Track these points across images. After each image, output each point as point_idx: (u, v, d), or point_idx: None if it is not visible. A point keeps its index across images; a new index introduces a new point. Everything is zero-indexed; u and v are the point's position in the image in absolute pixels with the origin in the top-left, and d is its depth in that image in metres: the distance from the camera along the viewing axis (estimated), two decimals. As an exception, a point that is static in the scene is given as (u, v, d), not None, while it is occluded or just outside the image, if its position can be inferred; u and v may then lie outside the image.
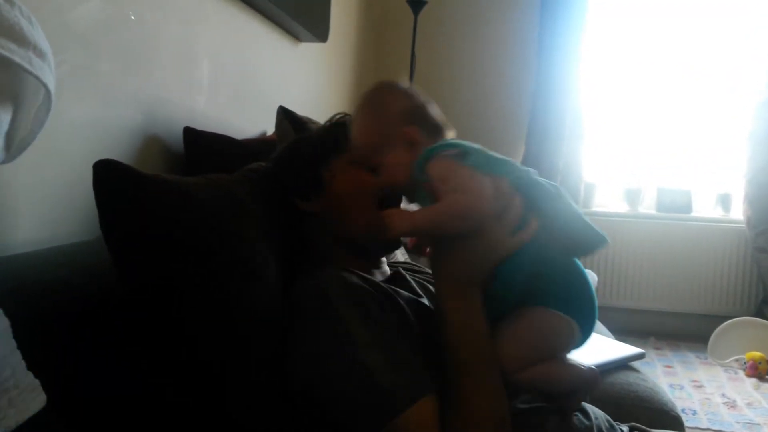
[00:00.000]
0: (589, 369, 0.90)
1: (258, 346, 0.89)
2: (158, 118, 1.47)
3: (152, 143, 1.44)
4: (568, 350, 0.89)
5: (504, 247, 0.82)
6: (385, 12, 3.58)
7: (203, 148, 1.54)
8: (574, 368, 0.89)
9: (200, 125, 1.57)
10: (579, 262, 0.88)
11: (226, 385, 0.86)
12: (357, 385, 0.80)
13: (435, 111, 0.95)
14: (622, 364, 1.62)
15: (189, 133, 1.53)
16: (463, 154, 0.85)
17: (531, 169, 0.87)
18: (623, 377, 1.54)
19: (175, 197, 0.85)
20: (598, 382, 0.91)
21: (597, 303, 0.88)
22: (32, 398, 0.58)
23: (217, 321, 0.86)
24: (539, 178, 0.86)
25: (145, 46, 1.40)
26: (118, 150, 1.31)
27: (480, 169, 0.83)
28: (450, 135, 0.94)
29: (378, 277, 1.07)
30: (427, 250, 0.91)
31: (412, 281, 1.07)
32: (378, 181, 0.94)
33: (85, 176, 0.82)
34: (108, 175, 0.80)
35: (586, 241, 0.84)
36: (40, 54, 0.55)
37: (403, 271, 1.10)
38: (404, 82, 0.97)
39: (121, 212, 0.81)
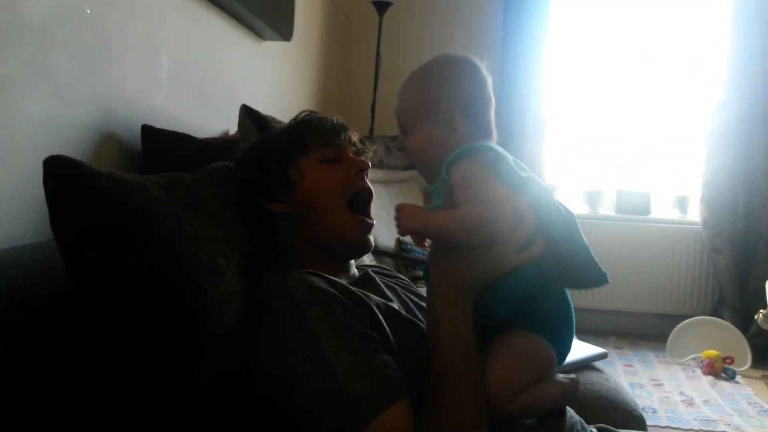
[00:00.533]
0: (570, 379, 0.90)
1: (220, 348, 0.86)
2: (115, 115, 1.42)
3: (109, 141, 1.40)
4: (547, 377, 0.89)
5: (507, 263, 0.81)
6: (350, 12, 3.56)
7: (162, 147, 1.50)
8: (558, 384, 0.88)
9: (159, 123, 1.53)
10: (567, 293, 0.88)
11: (190, 390, 0.83)
12: (323, 393, 0.78)
13: (492, 109, 0.91)
14: (585, 364, 1.63)
15: (147, 131, 1.48)
16: (495, 162, 0.81)
17: (551, 189, 0.86)
18: (586, 377, 1.55)
19: (131, 193, 0.81)
20: (578, 388, 0.91)
21: (573, 330, 0.89)
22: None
23: (174, 321, 0.83)
24: (557, 202, 0.85)
25: (102, 41, 1.35)
26: (72, 147, 1.26)
27: (506, 182, 0.80)
28: (494, 139, 0.91)
29: (345, 280, 1.05)
30: (427, 243, 0.89)
31: (381, 284, 1.05)
32: (401, 144, 0.91)
33: (37, 175, 0.78)
34: (59, 171, 0.76)
35: (587, 276, 0.84)
36: None
37: (372, 273, 1.08)
38: (483, 68, 0.91)
39: (72, 209, 0.77)
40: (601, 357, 1.66)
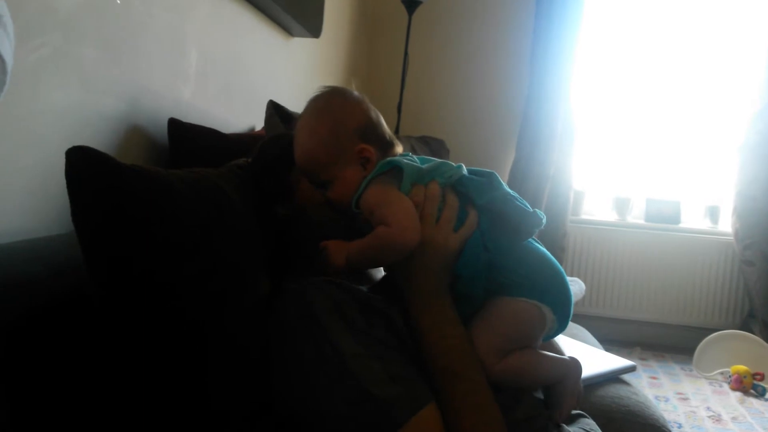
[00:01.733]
0: (570, 358, 0.90)
1: (243, 354, 0.84)
2: (142, 108, 1.41)
3: (135, 134, 1.38)
4: (542, 335, 0.90)
5: (451, 246, 0.84)
6: (379, 10, 3.54)
7: (188, 142, 1.48)
8: (552, 358, 0.90)
9: (186, 117, 1.51)
10: (538, 246, 0.89)
11: (208, 399, 0.81)
12: (350, 401, 0.76)
13: (385, 126, 0.95)
14: (613, 377, 1.58)
15: (174, 125, 1.47)
16: (395, 173, 0.86)
17: (461, 165, 0.89)
18: (613, 390, 1.50)
19: (156, 188, 0.79)
20: (579, 370, 0.92)
21: (568, 284, 0.89)
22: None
23: (193, 322, 0.80)
24: (469, 173, 0.88)
25: (130, 33, 1.34)
26: (98, 139, 1.25)
27: (409, 183, 0.85)
28: (399, 149, 0.95)
29: (365, 282, 1.02)
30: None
31: None
32: (322, 198, 0.93)
33: (62, 166, 0.76)
34: (81, 162, 0.74)
35: (523, 221, 0.85)
36: None
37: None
38: (354, 92, 0.94)
39: (93, 201, 0.74)
40: (630, 370, 1.61)
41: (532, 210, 0.85)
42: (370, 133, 0.91)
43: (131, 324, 0.78)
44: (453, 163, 0.89)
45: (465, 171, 0.88)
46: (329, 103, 0.92)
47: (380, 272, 1.07)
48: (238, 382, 0.84)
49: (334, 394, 0.77)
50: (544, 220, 0.85)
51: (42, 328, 0.76)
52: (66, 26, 1.13)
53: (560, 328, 0.90)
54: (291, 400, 0.81)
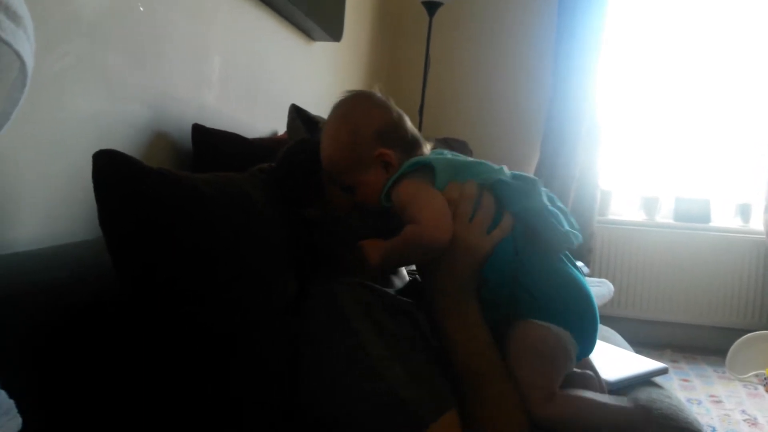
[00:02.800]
0: (639, 407, 0.84)
1: (270, 360, 0.83)
2: (166, 114, 1.42)
3: (159, 140, 1.39)
4: (570, 365, 0.85)
5: (481, 248, 0.82)
6: (399, 13, 3.53)
7: (212, 147, 1.49)
8: (613, 406, 0.82)
9: (210, 123, 1.52)
10: (570, 267, 0.85)
11: (239, 405, 0.80)
12: (377, 401, 0.75)
13: (409, 125, 0.93)
14: (645, 380, 1.55)
15: (198, 130, 1.48)
16: (423, 170, 0.85)
17: (503, 168, 0.86)
18: (646, 393, 1.46)
19: (182, 192, 0.79)
20: (650, 424, 0.86)
21: (595, 309, 0.84)
22: (6, 422, 0.52)
23: (223, 331, 0.80)
24: (509, 178, 0.85)
25: (153, 39, 1.35)
26: (123, 145, 1.26)
27: (445, 180, 0.84)
28: (426, 149, 0.94)
29: (396, 284, 1.01)
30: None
31: None
32: (350, 201, 0.92)
33: (88, 172, 0.76)
34: (109, 167, 0.74)
35: (554, 239, 0.82)
36: (14, 17, 0.45)
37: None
38: (378, 95, 0.94)
39: (121, 204, 0.75)
40: (662, 372, 1.57)
41: (565, 230, 0.81)
42: (390, 135, 0.90)
43: (157, 328, 0.78)
44: (494, 165, 0.87)
45: (506, 174, 0.85)
46: (349, 108, 0.93)
47: (404, 278, 1.06)
48: (262, 389, 0.83)
49: (359, 393, 0.76)
50: (579, 240, 0.82)
51: (67, 334, 0.76)
52: (90, 34, 1.14)
53: (582, 354, 0.85)
54: (317, 401, 0.80)
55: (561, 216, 0.83)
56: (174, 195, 0.78)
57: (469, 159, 0.88)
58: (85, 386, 0.76)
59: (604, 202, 3.49)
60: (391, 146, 0.89)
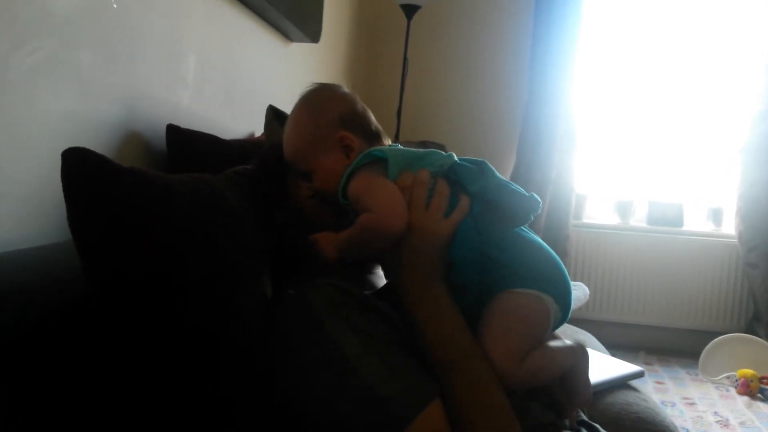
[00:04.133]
0: (576, 344, 0.87)
1: (242, 359, 0.82)
2: (140, 113, 1.39)
3: (132, 140, 1.36)
4: (551, 327, 0.86)
5: (442, 232, 0.81)
6: (377, 16, 3.53)
7: (187, 148, 1.46)
8: (561, 348, 0.86)
9: (185, 123, 1.49)
10: (532, 235, 0.86)
11: (212, 404, 0.78)
12: (355, 401, 0.74)
13: (373, 119, 0.94)
14: (621, 383, 1.55)
15: (172, 130, 1.44)
16: (377, 162, 0.85)
17: (452, 154, 0.87)
18: (622, 397, 1.47)
19: (155, 192, 0.77)
20: (586, 356, 0.89)
21: (565, 272, 0.85)
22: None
23: (196, 327, 0.78)
24: (461, 160, 0.87)
25: (127, 37, 1.32)
26: (95, 145, 1.19)
27: (397, 171, 0.84)
28: (386, 142, 0.94)
29: (372, 282, 1.00)
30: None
31: None
32: (309, 190, 0.92)
33: (57, 173, 0.74)
34: (79, 165, 0.72)
35: (519, 207, 0.82)
36: None
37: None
38: (343, 87, 0.95)
39: (91, 203, 0.72)
40: (638, 375, 1.58)
41: (528, 194, 0.83)
42: (354, 122, 0.91)
43: (130, 330, 0.76)
44: (443, 152, 0.87)
45: (456, 159, 0.87)
46: (313, 95, 0.94)
47: (381, 280, 1.05)
48: (241, 388, 0.82)
49: (339, 394, 0.75)
50: (541, 204, 0.83)
51: (36, 340, 0.74)
52: (62, 30, 1.11)
53: (563, 319, 0.86)
54: (296, 404, 0.79)
55: (514, 187, 0.84)
56: (146, 195, 0.76)
57: (421, 150, 0.88)
58: (57, 392, 0.74)
59: (579, 205, 3.52)
60: (353, 131, 0.89)
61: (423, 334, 0.80)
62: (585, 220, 3.54)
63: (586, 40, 3.38)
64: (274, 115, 1.57)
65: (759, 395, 2.77)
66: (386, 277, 0.89)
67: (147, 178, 0.77)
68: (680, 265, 3.38)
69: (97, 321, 0.76)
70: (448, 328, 0.80)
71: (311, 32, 2.34)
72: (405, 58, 3.03)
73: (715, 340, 3.04)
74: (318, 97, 0.94)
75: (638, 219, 3.54)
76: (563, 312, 0.85)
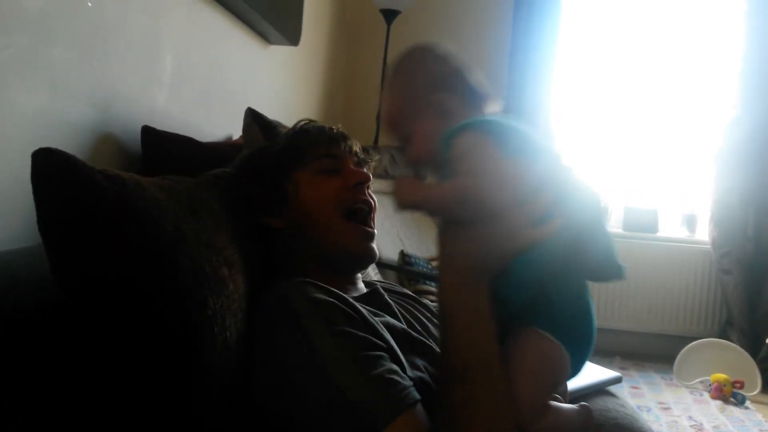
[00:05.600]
0: (580, 406, 0.83)
1: (220, 361, 0.80)
2: (114, 114, 1.35)
3: (106, 142, 1.33)
4: (561, 385, 0.83)
5: (522, 238, 0.72)
6: (358, 20, 3.51)
7: (163, 150, 1.43)
8: (575, 412, 0.81)
9: (161, 125, 1.46)
10: (590, 298, 0.79)
11: (187, 404, 0.76)
12: (330, 406, 0.73)
13: (475, 78, 0.84)
14: (599, 389, 1.56)
15: (148, 132, 1.41)
16: (497, 132, 0.75)
17: (572, 167, 0.79)
18: (601, 403, 1.47)
19: (128, 192, 0.74)
20: (592, 419, 0.83)
21: (594, 339, 0.78)
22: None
23: (171, 332, 0.76)
24: (578, 180, 0.78)
25: (102, 35, 1.29)
26: (67, 146, 1.14)
27: (512, 152, 0.74)
28: (494, 107, 0.84)
29: (353, 294, 0.98)
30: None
31: (390, 302, 0.99)
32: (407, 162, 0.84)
33: (28, 174, 0.71)
34: (49, 166, 0.69)
35: (601, 266, 0.76)
36: None
37: (381, 290, 1.02)
38: (440, 46, 0.86)
39: (61, 206, 0.70)
40: (616, 381, 1.59)
41: (618, 263, 0.76)
42: (453, 82, 0.81)
43: (101, 335, 0.73)
44: (563, 157, 0.80)
45: (575, 176, 0.79)
46: (407, 57, 0.86)
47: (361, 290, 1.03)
48: (217, 397, 0.80)
49: (314, 397, 0.74)
50: (624, 274, 0.76)
51: (5, 345, 0.71)
52: (34, 27, 1.08)
53: (570, 377, 0.82)
54: (274, 401, 0.78)
55: (612, 242, 0.77)
56: (119, 198, 0.74)
57: (541, 143, 0.79)
58: (25, 399, 0.71)
59: (557, 211, 3.53)
60: (450, 91, 0.81)
61: (448, 330, 0.74)
62: (562, 226, 3.55)
63: (563, 48, 3.42)
64: (253, 117, 1.54)
65: (732, 399, 2.80)
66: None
67: (121, 180, 0.75)
68: (655, 270, 3.41)
69: (66, 327, 0.74)
70: (477, 330, 0.73)
71: (291, 35, 2.32)
72: (385, 63, 3.02)
73: (689, 345, 3.08)
74: (411, 59, 0.85)
75: (614, 225, 3.57)
76: (573, 373, 0.80)
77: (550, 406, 0.77)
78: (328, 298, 0.82)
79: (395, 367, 0.77)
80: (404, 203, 0.77)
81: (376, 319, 0.85)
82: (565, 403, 0.89)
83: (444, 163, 0.76)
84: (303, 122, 1.09)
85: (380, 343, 0.80)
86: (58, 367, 0.74)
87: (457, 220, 0.75)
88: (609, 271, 0.76)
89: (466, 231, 0.74)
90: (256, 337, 0.83)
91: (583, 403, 0.84)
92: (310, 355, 0.75)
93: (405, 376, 0.77)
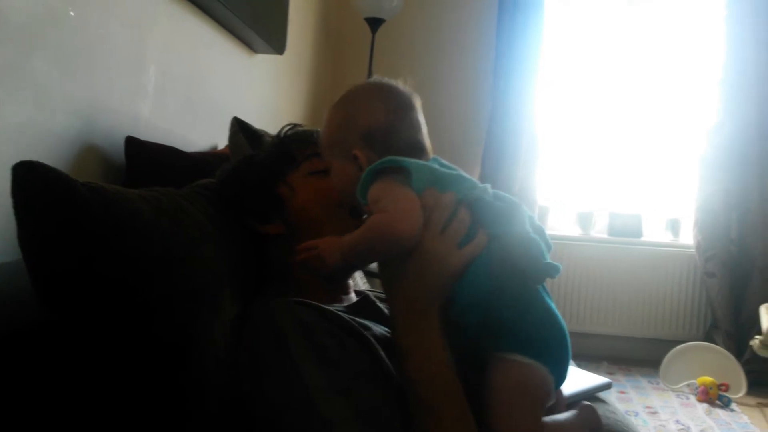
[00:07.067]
0: (581, 406, 0.83)
1: (209, 379, 0.78)
2: (97, 125, 1.34)
3: (89, 153, 1.31)
4: (548, 401, 0.81)
5: (452, 262, 0.76)
6: (342, 28, 3.52)
7: (147, 161, 1.41)
8: (571, 420, 0.81)
9: (145, 135, 1.44)
10: (545, 296, 0.80)
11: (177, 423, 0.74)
12: None
13: (416, 132, 0.87)
14: (589, 396, 1.55)
15: (132, 143, 1.40)
16: (406, 174, 0.79)
17: (487, 186, 0.81)
18: (591, 409, 1.47)
19: (112, 206, 0.73)
20: (597, 417, 0.84)
21: (569, 344, 0.80)
22: None
23: (159, 349, 0.74)
24: (493, 198, 0.81)
25: (85, 46, 1.27)
26: (49, 158, 1.16)
27: (423, 186, 0.78)
28: (425, 157, 0.87)
29: (343, 304, 0.97)
30: None
31: (381, 306, 0.98)
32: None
33: (7, 187, 0.69)
34: (30, 179, 0.68)
35: (534, 267, 0.77)
36: None
37: (372, 297, 1.01)
38: (394, 90, 0.88)
39: (43, 220, 0.68)
40: (606, 387, 1.58)
41: (546, 262, 0.77)
42: (379, 139, 0.84)
43: (85, 352, 0.72)
44: (478, 182, 0.82)
45: (488, 194, 0.81)
46: (353, 94, 0.90)
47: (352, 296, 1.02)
48: (211, 411, 0.78)
49: (297, 426, 0.72)
50: (559, 272, 0.77)
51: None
52: (16, 38, 1.06)
53: (556, 387, 0.82)
54: (260, 423, 0.76)
55: (542, 244, 0.79)
56: (103, 211, 0.72)
57: (454, 172, 0.83)
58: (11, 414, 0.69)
59: (542, 217, 3.55)
60: (372, 149, 0.84)
61: (406, 366, 0.76)
62: (547, 232, 3.53)
63: (548, 55, 3.44)
64: (239, 127, 1.53)
65: (718, 402, 2.82)
66: (385, 294, 0.83)
67: (104, 193, 0.74)
68: (640, 275, 3.43)
69: (48, 345, 0.72)
70: (436, 364, 0.74)
71: (276, 44, 2.31)
72: (370, 71, 3.03)
73: (675, 348, 3.10)
74: (354, 98, 0.89)
75: (599, 230, 3.59)
76: (557, 382, 0.80)
77: (544, 425, 0.77)
78: (319, 321, 0.80)
79: (387, 397, 0.76)
80: (331, 265, 0.80)
81: (367, 333, 0.84)
82: (563, 410, 0.88)
83: (367, 213, 0.82)
84: (288, 127, 1.09)
85: (372, 371, 0.78)
86: (39, 387, 0.72)
87: (383, 258, 0.80)
88: (543, 271, 0.78)
89: (398, 268, 0.78)
90: (243, 360, 0.80)
91: (584, 402, 0.84)
92: (296, 385, 0.74)
93: (396, 407, 0.75)
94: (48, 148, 1.18)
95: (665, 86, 3.56)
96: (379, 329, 0.89)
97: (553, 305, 0.80)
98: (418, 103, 0.90)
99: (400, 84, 0.90)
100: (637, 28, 3.57)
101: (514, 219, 0.80)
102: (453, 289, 0.77)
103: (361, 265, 0.92)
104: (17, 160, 0.69)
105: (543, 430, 0.77)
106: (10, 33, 1.05)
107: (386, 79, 0.91)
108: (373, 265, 1.00)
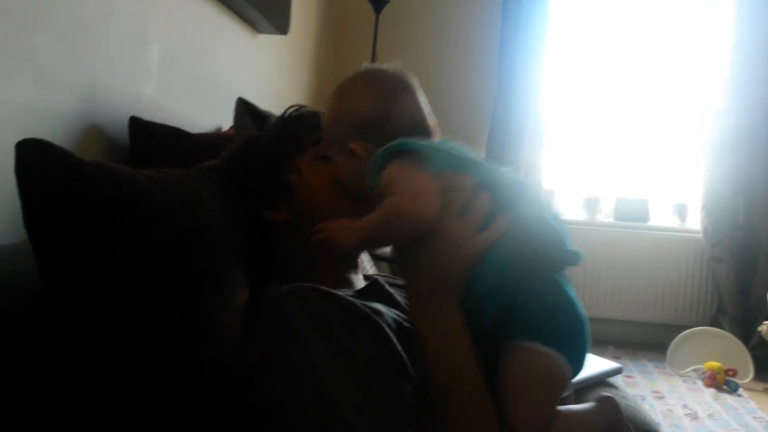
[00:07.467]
0: (604, 399, 0.80)
1: (214, 367, 0.76)
2: (100, 105, 1.31)
3: (92, 133, 1.28)
4: (565, 390, 0.78)
5: (471, 247, 0.74)
6: (346, 9, 3.47)
7: (151, 141, 1.38)
8: (589, 410, 0.78)
9: (148, 116, 1.41)
10: (564, 285, 0.77)
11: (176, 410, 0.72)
12: (325, 424, 0.69)
13: (406, 118, 0.84)
14: (600, 381, 1.54)
15: (136, 123, 1.37)
16: (419, 156, 0.76)
17: (506, 170, 0.79)
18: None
19: (120, 186, 0.70)
20: (619, 409, 0.80)
21: (587, 333, 0.76)
22: None
23: (167, 334, 0.72)
24: (512, 183, 0.78)
25: (88, 24, 1.24)
26: (52, 137, 1.12)
27: (438, 169, 0.75)
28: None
29: (353, 289, 0.95)
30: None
31: (392, 292, 0.96)
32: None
33: (10, 167, 0.67)
34: (34, 158, 0.65)
35: (556, 255, 0.74)
36: None
37: (382, 282, 0.99)
38: (394, 77, 0.85)
39: (49, 200, 0.66)
40: (616, 372, 1.57)
41: (567, 248, 0.74)
42: (374, 128, 0.81)
43: (92, 335, 0.70)
44: (496, 165, 0.79)
45: (509, 178, 0.78)
46: (350, 83, 0.87)
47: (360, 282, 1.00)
48: (209, 405, 0.76)
49: (309, 415, 0.71)
50: (582, 258, 0.75)
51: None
52: (16, 13, 1.03)
53: (573, 377, 0.79)
54: (270, 411, 0.74)
55: (561, 231, 0.76)
56: (111, 191, 0.70)
57: (467, 155, 0.80)
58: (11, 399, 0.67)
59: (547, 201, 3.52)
60: (370, 140, 0.81)
61: (423, 354, 0.74)
62: (554, 216, 3.54)
63: (554, 37, 3.39)
64: (244, 108, 1.50)
65: (725, 387, 2.81)
66: (404, 281, 0.81)
67: (111, 172, 0.71)
68: (647, 259, 3.41)
69: (53, 327, 0.70)
70: (454, 351, 0.72)
71: (279, 24, 2.27)
72: (374, 53, 2.98)
73: (682, 333, 3.08)
74: (343, 94, 0.86)
75: (605, 214, 3.57)
76: (574, 372, 0.77)
77: (558, 414, 0.75)
78: (330, 307, 0.77)
79: (401, 383, 0.74)
80: (344, 246, 0.77)
81: (379, 319, 0.81)
82: (571, 400, 0.86)
83: (379, 197, 0.78)
84: (293, 108, 1.05)
85: (384, 357, 0.76)
86: (44, 370, 0.70)
87: (396, 242, 0.78)
88: (565, 258, 0.76)
89: (415, 253, 0.75)
90: (251, 347, 0.78)
91: (605, 394, 0.82)
92: (309, 372, 0.72)
93: (410, 391, 0.73)
94: (50, 128, 1.15)
95: (673, 70, 3.51)
96: (391, 313, 0.86)
97: (572, 293, 0.77)
98: (413, 83, 0.87)
99: (390, 67, 0.87)
100: (645, 11, 3.52)
101: (533, 204, 0.77)
102: (471, 276, 0.75)
103: (374, 248, 0.90)
104: (17, 140, 0.66)
105: (556, 415, 0.74)
106: (8, 7, 1.01)
107: (374, 65, 0.88)
108: (385, 249, 0.98)
